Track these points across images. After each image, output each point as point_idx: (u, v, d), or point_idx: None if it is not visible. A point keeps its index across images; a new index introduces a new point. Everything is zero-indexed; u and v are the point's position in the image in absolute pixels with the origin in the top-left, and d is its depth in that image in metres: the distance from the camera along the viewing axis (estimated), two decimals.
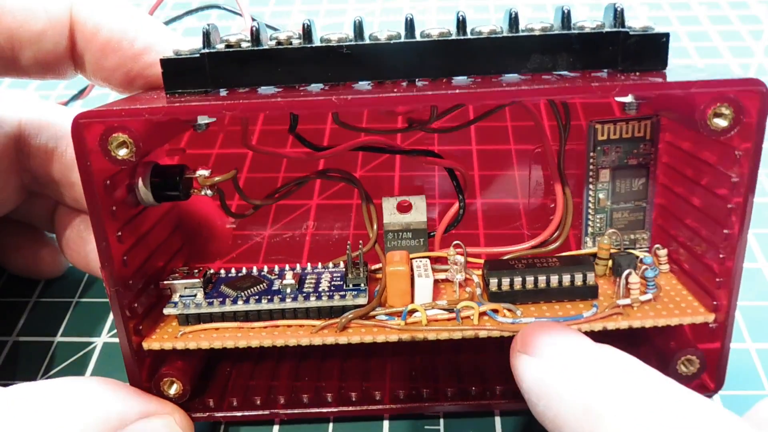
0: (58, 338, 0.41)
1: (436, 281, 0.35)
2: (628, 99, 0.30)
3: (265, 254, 0.41)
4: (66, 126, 0.38)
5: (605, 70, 0.29)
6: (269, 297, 0.33)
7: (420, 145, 0.37)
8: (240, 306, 0.33)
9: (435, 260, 0.37)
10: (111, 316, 0.43)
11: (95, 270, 0.41)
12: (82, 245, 0.41)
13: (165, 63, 0.30)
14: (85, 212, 0.40)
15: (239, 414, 0.34)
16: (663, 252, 0.36)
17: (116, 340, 0.41)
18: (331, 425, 0.35)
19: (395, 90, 0.28)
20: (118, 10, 0.34)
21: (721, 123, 0.28)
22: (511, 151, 0.40)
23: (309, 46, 0.29)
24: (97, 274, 0.42)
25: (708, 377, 0.33)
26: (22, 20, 0.32)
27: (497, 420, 0.35)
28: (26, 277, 0.46)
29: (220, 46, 0.30)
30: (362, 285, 0.34)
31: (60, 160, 0.38)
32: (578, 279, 0.33)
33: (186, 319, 0.33)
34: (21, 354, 0.40)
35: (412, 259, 0.35)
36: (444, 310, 0.33)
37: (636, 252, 0.35)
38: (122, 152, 0.28)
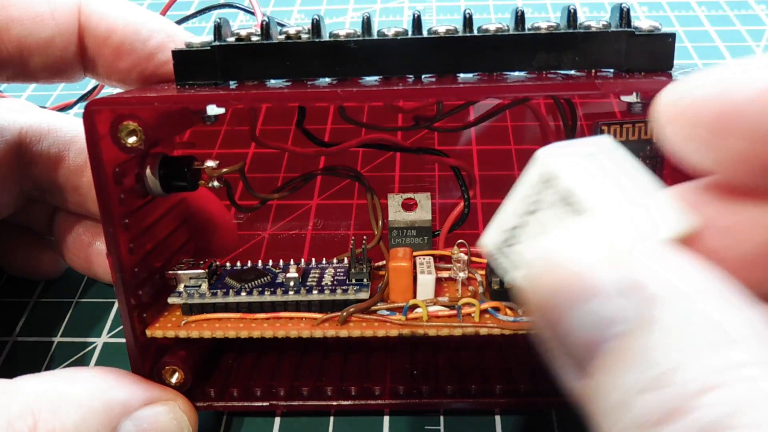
0: (58, 338, 0.41)
1: (438, 279, 0.35)
2: (633, 99, 0.30)
3: (266, 254, 0.41)
4: (70, 131, 0.38)
5: (611, 70, 0.29)
6: (272, 289, 0.34)
7: (421, 144, 0.37)
8: (243, 297, 0.33)
9: (438, 259, 0.37)
10: (111, 317, 0.43)
11: (97, 274, 0.41)
12: (82, 249, 0.41)
13: (176, 55, 0.30)
14: (87, 217, 0.40)
15: (239, 404, 0.34)
16: None
17: (116, 340, 0.41)
18: (332, 419, 0.35)
19: (400, 85, 0.28)
20: (129, 11, 0.34)
21: None
22: (511, 151, 0.40)
23: (317, 40, 0.29)
24: (98, 278, 0.42)
25: None
26: (31, 28, 0.32)
27: (497, 419, 0.35)
28: (26, 278, 0.46)
29: (231, 40, 0.30)
30: (365, 280, 0.34)
31: (64, 165, 0.38)
32: None
33: (190, 309, 0.34)
34: (21, 354, 0.40)
35: (415, 256, 0.35)
36: (445, 306, 0.33)
37: None
38: (131, 140, 0.29)
